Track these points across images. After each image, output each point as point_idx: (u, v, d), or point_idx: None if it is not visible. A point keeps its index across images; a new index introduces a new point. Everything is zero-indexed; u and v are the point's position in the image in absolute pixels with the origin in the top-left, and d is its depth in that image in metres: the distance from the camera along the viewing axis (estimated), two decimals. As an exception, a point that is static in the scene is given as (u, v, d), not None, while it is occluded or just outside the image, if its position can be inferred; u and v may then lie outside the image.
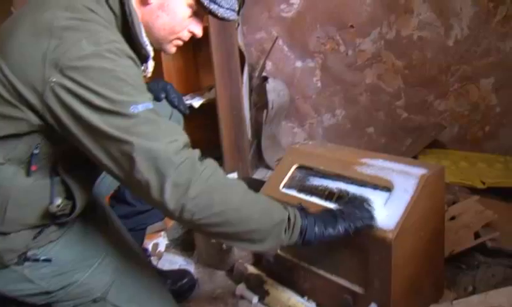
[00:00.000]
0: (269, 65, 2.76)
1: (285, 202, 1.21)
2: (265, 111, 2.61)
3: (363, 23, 2.57)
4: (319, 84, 2.77)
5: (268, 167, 2.68)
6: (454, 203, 1.81)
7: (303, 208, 1.20)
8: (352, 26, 2.59)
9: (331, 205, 1.31)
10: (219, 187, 1.03)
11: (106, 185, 1.44)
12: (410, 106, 2.60)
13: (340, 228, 1.15)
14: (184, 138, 1.02)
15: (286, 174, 1.53)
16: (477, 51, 2.38)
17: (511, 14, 2.27)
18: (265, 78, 2.63)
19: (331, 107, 2.79)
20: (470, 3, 2.33)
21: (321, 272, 1.42)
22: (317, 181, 1.45)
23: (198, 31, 1.22)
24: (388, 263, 1.23)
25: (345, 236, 1.16)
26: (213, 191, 1.01)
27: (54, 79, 0.95)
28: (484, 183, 2.00)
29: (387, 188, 1.31)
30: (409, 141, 2.62)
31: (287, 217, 1.11)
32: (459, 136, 2.53)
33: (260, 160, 2.73)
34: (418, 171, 1.31)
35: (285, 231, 1.10)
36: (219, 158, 2.22)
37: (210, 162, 1.05)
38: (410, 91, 2.57)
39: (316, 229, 1.13)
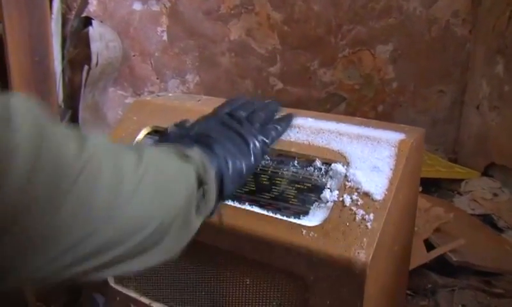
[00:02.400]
0: (93, 4, 2.23)
1: None
2: (85, 68, 2.12)
3: (230, -44, 2.25)
4: (165, 37, 2.37)
5: (88, 149, 2.13)
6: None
7: (196, 133, 0.70)
8: (215, -41, 2.26)
9: None
10: None
11: None
12: (287, 74, 2.34)
13: (256, 152, 0.70)
14: None
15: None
16: (375, 8, 2.19)
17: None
18: (88, 22, 2.15)
19: (180, 70, 2.41)
20: None
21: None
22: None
23: None
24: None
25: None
26: None
27: None
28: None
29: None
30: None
31: (195, 180, 0.59)
32: (346, 115, 2.15)
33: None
34: (392, 136, 0.79)
35: (197, 207, 0.60)
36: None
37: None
38: (288, 55, 2.32)
39: (231, 170, 0.66)
